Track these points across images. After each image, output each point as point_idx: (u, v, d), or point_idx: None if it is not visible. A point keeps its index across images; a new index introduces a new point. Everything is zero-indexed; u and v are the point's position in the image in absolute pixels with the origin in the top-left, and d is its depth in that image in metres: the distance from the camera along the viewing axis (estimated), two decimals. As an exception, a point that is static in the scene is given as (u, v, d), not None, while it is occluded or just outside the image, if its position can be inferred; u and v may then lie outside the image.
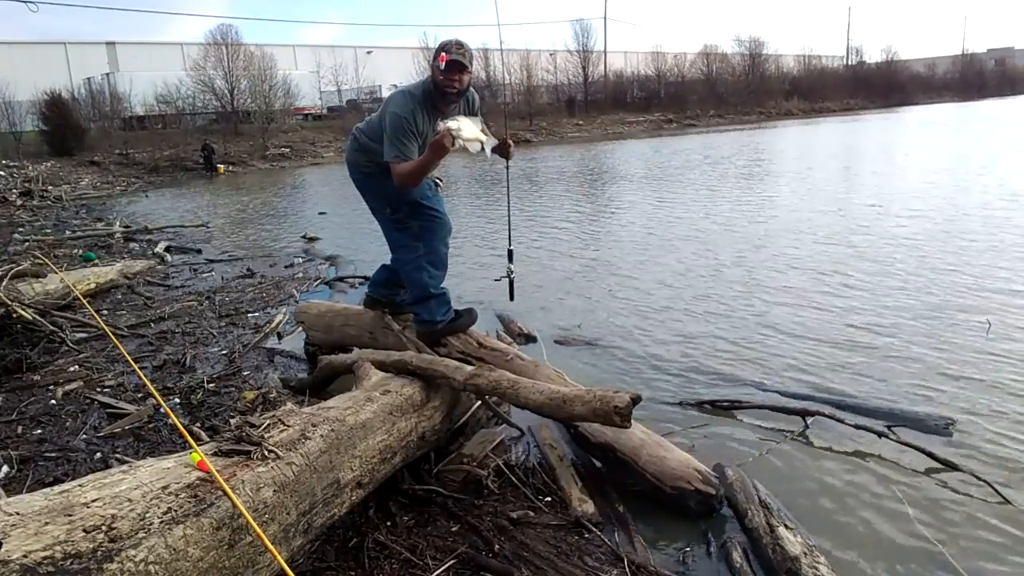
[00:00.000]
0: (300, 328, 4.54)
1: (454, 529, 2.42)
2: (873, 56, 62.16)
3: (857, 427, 3.01)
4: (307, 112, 36.72)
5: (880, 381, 3.62)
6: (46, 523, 1.42)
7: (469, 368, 2.82)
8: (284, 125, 31.76)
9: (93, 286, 6.29)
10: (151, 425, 3.43)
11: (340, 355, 3.63)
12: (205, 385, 3.93)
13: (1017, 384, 3.47)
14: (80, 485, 1.58)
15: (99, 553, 1.41)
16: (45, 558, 1.34)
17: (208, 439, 2.65)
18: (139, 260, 8.02)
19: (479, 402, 3.08)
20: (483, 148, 3.09)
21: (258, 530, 1.57)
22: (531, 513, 2.52)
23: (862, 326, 4.46)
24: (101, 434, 3.35)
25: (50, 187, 18.56)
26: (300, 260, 7.96)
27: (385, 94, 26.05)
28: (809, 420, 3.17)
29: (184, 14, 75.80)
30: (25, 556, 1.32)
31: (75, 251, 9.03)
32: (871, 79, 56.25)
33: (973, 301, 4.82)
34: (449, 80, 3.13)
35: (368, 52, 46.58)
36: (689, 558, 2.30)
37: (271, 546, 1.53)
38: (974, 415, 3.18)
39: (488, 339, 3.59)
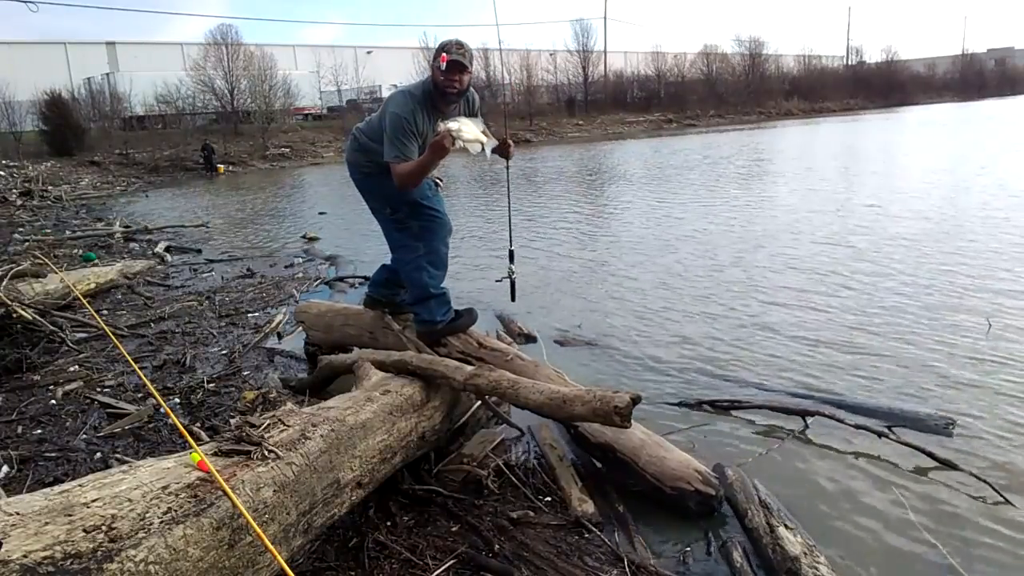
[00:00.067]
0: (300, 328, 4.54)
1: (454, 529, 2.42)
2: (873, 56, 62.30)
3: (857, 427, 3.01)
4: (307, 112, 36.71)
5: (880, 381, 3.62)
6: (46, 523, 1.42)
7: (469, 368, 2.82)
8: (284, 125, 31.76)
9: (93, 286, 6.29)
10: (151, 425, 3.43)
11: (340, 355, 3.63)
12: (205, 385, 3.93)
13: (1017, 384, 3.47)
14: (80, 485, 1.59)
15: (99, 553, 1.41)
16: (45, 558, 1.34)
17: (208, 439, 2.64)
18: (139, 260, 8.02)
19: (479, 402, 3.07)
20: (483, 149, 3.09)
21: (258, 530, 1.57)
22: (531, 513, 2.52)
23: (862, 326, 4.46)
24: (101, 434, 3.35)
25: (50, 187, 18.56)
26: (300, 260, 7.96)
27: (385, 94, 26.05)
28: (809, 420, 3.17)
29: (184, 14, 75.83)
30: (25, 556, 1.32)
31: (75, 251, 9.03)
32: (871, 79, 56.26)
33: (973, 301, 4.82)
34: (449, 80, 3.13)
35: (368, 52, 46.59)
36: (689, 558, 2.30)
37: (271, 546, 1.53)
38: (974, 415, 3.18)
39: (488, 339, 3.59)
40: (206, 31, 69.61)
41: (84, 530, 1.43)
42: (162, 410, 3.43)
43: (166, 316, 5.53)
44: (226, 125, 30.49)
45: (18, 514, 1.42)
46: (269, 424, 2.08)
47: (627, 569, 2.19)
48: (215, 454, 1.88)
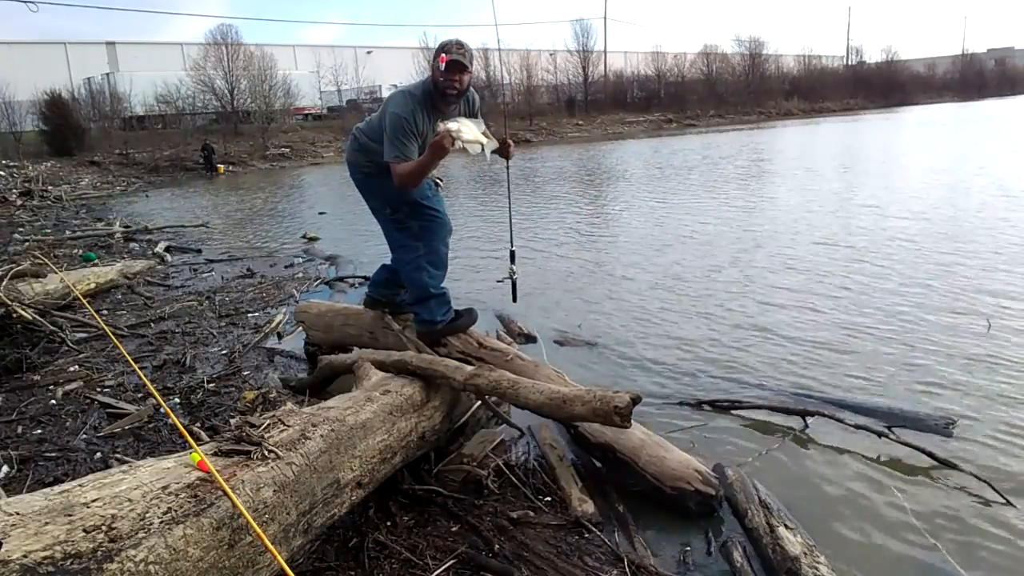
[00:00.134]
0: (300, 328, 4.54)
1: (454, 529, 2.42)
2: (873, 56, 62.32)
3: (857, 427, 3.01)
4: (307, 112, 36.72)
5: (880, 381, 3.62)
6: (46, 523, 1.42)
7: (469, 368, 2.82)
8: (284, 125, 31.76)
9: (93, 286, 6.29)
10: (151, 425, 3.43)
11: (340, 355, 3.63)
12: (205, 385, 3.93)
13: (1017, 384, 3.47)
14: (80, 485, 1.59)
15: (99, 553, 1.41)
16: (45, 558, 1.34)
17: (208, 439, 2.64)
18: (139, 260, 8.02)
19: (479, 402, 3.07)
20: (483, 150, 3.09)
21: (258, 530, 1.57)
22: (531, 513, 2.52)
23: (861, 326, 4.46)
24: (101, 434, 3.35)
25: (50, 187, 18.57)
26: (300, 260, 7.96)
27: (385, 94, 26.05)
28: (809, 420, 3.17)
29: (184, 14, 75.93)
30: (25, 556, 1.32)
31: (75, 251, 9.03)
32: (871, 79, 56.25)
33: (972, 301, 4.81)
34: (449, 80, 3.13)
35: (368, 52, 46.59)
36: (689, 558, 2.30)
37: (271, 546, 1.53)
38: (974, 415, 3.18)
39: (488, 339, 3.59)
40: (206, 31, 69.70)
41: (84, 530, 1.43)
42: (162, 410, 3.43)
43: (166, 316, 5.53)
44: (226, 125, 30.50)
45: (18, 514, 1.42)
46: (269, 424, 2.08)
47: (627, 569, 2.19)
48: (215, 454, 1.88)
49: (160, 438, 3.29)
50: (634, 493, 2.63)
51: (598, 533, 2.39)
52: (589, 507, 2.54)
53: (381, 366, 2.98)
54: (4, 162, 21.16)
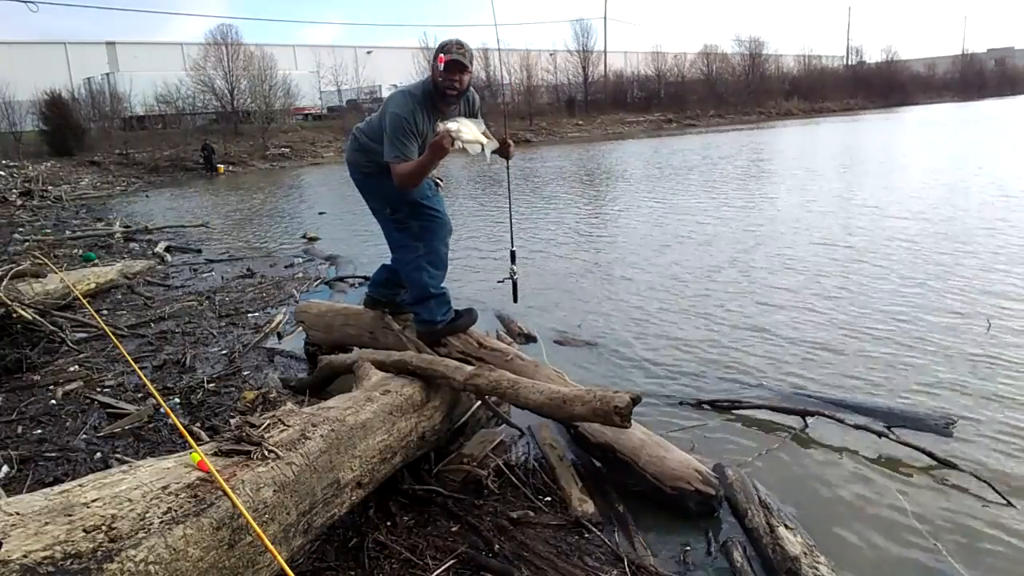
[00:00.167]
0: (300, 328, 4.54)
1: (454, 529, 2.42)
2: (873, 56, 62.32)
3: (857, 427, 3.01)
4: (307, 112, 36.72)
5: (880, 381, 3.62)
6: (46, 523, 1.42)
7: (469, 368, 2.82)
8: (284, 125, 31.77)
9: (93, 286, 6.29)
10: (151, 425, 3.43)
11: (340, 355, 3.63)
12: (205, 385, 3.93)
13: (1017, 384, 3.47)
14: (80, 485, 1.59)
15: (99, 553, 1.41)
16: (45, 558, 1.34)
17: (208, 439, 2.65)
18: (139, 260, 8.02)
19: (479, 402, 3.07)
20: (483, 150, 3.08)
21: (258, 530, 1.57)
22: (531, 513, 2.52)
23: (861, 326, 4.46)
24: (101, 434, 3.35)
25: (50, 187, 18.57)
26: (300, 260, 7.96)
27: (385, 94, 26.05)
28: (809, 420, 3.17)
29: (184, 14, 75.95)
30: (25, 556, 1.32)
31: (75, 251, 9.03)
32: (871, 79, 56.25)
33: (972, 301, 4.81)
34: (449, 80, 3.13)
35: (368, 52, 46.60)
36: (689, 558, 2.30)
37: (271, 546, 1.53)
38: (974, 415, 3.18)
39: (488, 339, 3.59)
40: (206, 31, 69.74)
41: (84, 530, 1.43)
42: (162, 410, 3.43)
43: (166, 316, 5.53)
44: (226, 125, 30.50)
45: (18, 514, 1.42)
46: (269, 424, 2.09)
47: (627, 569, 2.19)
48: (215, 454, 1.88)
49: (160, 438, 3.29)
50: (634, 493, 2.63)
51: (598, 533, 2.39)
52: (589, 507, 2.54)
53: (381, 366, 2.98)
54: (4, 162, 21.16)
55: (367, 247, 8.20)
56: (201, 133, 28.76)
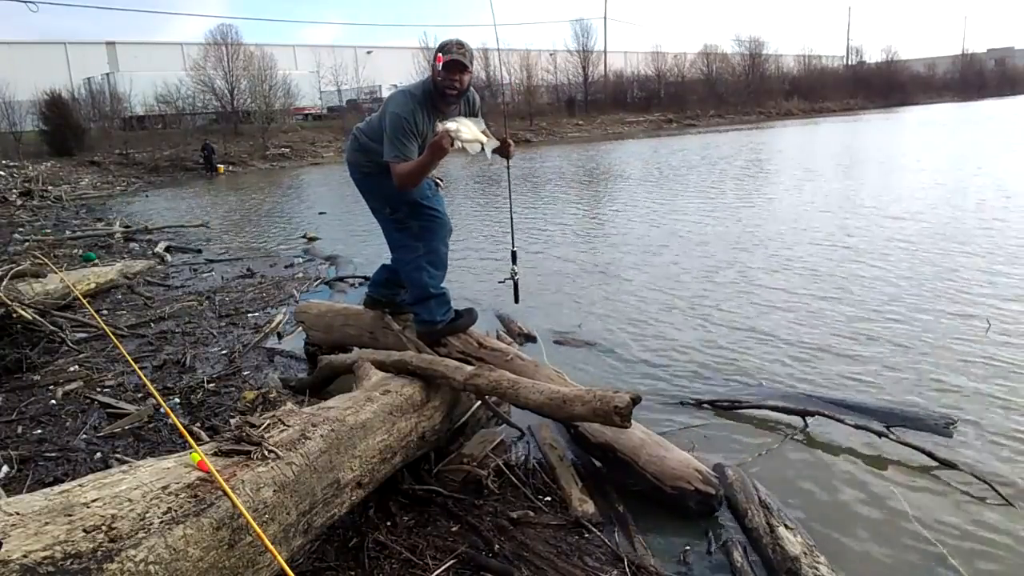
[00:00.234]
0: (300, 328, 4.54)
1: (454, 529, 2.42)
2: (873, 56, 62.35)
3: (857, 427, 3.01)
4: (307, 112, 36.73)
5: (880, 381, 3.62)
6: (46, 523, 1.42)
7: (469, 368, 2.82)
8: (284, 125, 31.78)
9: (93, 286, 6.29)
10: (151, 425, 3.43)
11: (340, 355, 3.63)
12: (205, 385, 3.93)
13: (1017, 384, 3.47)
14: (80, 485, 1.58)
15: (99, 553, 1.41)
16: (45, 558, 1.34)
17: (208, 439, 2.64)
18: (139, 260, 8.02)
19: (479, 402, 3.07)
20: (483, 149, 3.08)
21: (258, 530, 1.57)
22: (531, 513, 2.52)
23: (861, 326, 4.46)
24: (101, 434, 3.35)
25: (50, 187, 18.57)
26: (300, 260, 7.96)
27: (385, 94, 26.07)
28: (809, 420, 3.17)
29: (184, 14, 75.93)
30: (25, 556, 1.32)
31: (75, 251, 9.03)
32: (871, 79, 56.27)
33: (972, 302, 4.81)
34: (450, 80, 3.12)
35: (368, 52, 46.60)
36: (689, 558, 2.30)
37: (271, 546, 1.53)
38: (974, 415, 3.18)
39: (488, 339, 3.59)
40: (206, 31, 69.80)
41: (84, 530, 1.43)
42: (162, 410, 3.43)
43: (166, 316, 5.53)
44: (226, 125, 30.51)
45: (18, 514, 1.42)
46: (269, 424, 2.08)
47: (627, 569, 2.19)
48: (215, 454, 1.88)
49: (160, 438, 3.29)
50: (634, 493, 2.63)
51: (598, 533, 2.39)
52: (589, 507, 2.54)
53: (381, 366, 2.98)
54: (4, 162, 21.17)
55: (367, 247, 8.20)
56: (201, 133, 28.78)
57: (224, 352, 4.56)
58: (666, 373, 3.92)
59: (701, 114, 42.87)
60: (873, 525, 2.46)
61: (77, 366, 4.33)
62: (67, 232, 11.04)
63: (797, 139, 25.06)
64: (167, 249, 9.13)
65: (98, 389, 3.94)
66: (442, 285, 3.56)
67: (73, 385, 4.00)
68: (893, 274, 5.65)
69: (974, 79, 62.54)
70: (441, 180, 3.72)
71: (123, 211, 14.62)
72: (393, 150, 3.12)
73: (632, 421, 2.43)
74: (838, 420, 3.07)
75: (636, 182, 14.01)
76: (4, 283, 5.00)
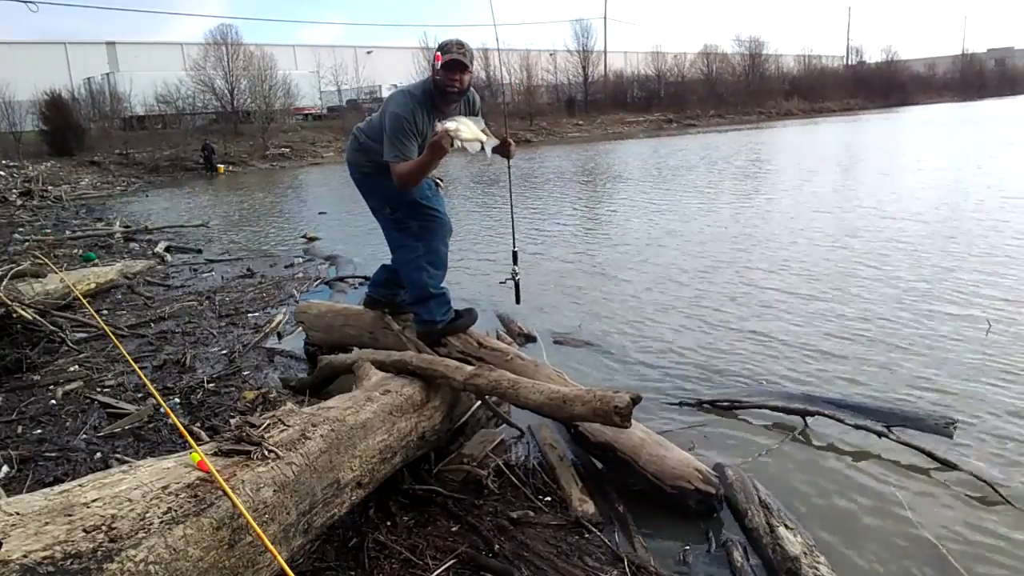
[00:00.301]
0: (300, 328, 4.54)
1: (454, 529, 2.42)
2: (873, 56, 62.36)
3: (857, 427, 3.01)
4: (307, 112, 36.73)
5: (880, 381, 3.62)
6: (46, 523, 1.42)
7: (469, 368, 2.82)
8: (284, 125, 31.78)
9: (93, 286, 6.29)
10: (151, 425, 3.43)
11: (340, 355, 3.63)
12: (205, 385, 3.93)
13: (1017, 385, 3.47)
14: (80, 485, 1.58)
15: (99, 553, 1.41)
16: (45, 558, 1.34)
17: (208, 439, 2.64)
18: (139, 260, 8.02)
19: (479, 402, 3.07)
20: (483, 148, 3.08)
21: (258, 530, 1.57)
22: (531, 513, 2.52)
23: (861, 326, 4.46)
24: (101, 434, 3.35)
25: (50, 187, 18.57)
26: (300, 260, 7.96)
27: (385, 94, 26.06)
28: (809, 420, 3.17)
29: (184, 14, 75.96)
30: (25, 556, 1.32)
31: (75, 251, 9.03)
32: (871, 79, 56.25)
33: (973, 301, 4.81)
34: (450, 80, 3.12)
35: (368, 52, 46.60)
36: (689, 558, 2.30)
37: (271, 546, 1.53)
38: (974, 415, 3.18)
39: (488, 339, 3.59)
40: (206, 31, 69.80)
41: (84, 530, 1.43)
42: (162, 410, 3.43)
43: (166, 316, 5.53)
44: (226, 125, 30.51)
45: (18, 514, 1.42)
46: (269, 424, 2.08)
47: (627, 569, 2.19)
48: (215, 454, 1.88)
49: (160, 438, 3.29)
50: (634, 493, 2.63)
51: (598, 533, 2.39)
52: (589, 507, 2.54)
53: (381, 366, 2.98)
54: (4, 162, 21.17)
55: (367, 247, 8.20)
56: (201, 133, 28.78)
57: (224, 352, 4.56)
58: (666, 373, 3.92)
59: (701, 114, 42.87)
60: (873, 525, 2.46)
61: (77, 366, 4.33)
62: (67, 232, 11.04)
63: (797, 139, 25.06)
64: (167, 249, 9.14)
65: (98, 389, 3.94)
66: (442, 285, 3.55)
67: (73, 385, 4.00)
68: (893, 274, 5.65)
69: (974, 79, 62.53)
70: (441, 180, 3.72)
71: (123, 211, 14.62)
72: (393, 150, 3.12)
73: (632, 421, 2.43)
74: (838, 420, 3.07)
75: (636, 182, 14.02)
76: (4, 283, 5.00)
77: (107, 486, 1.59)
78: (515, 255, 3.57)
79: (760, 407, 3.34)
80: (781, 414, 3.27)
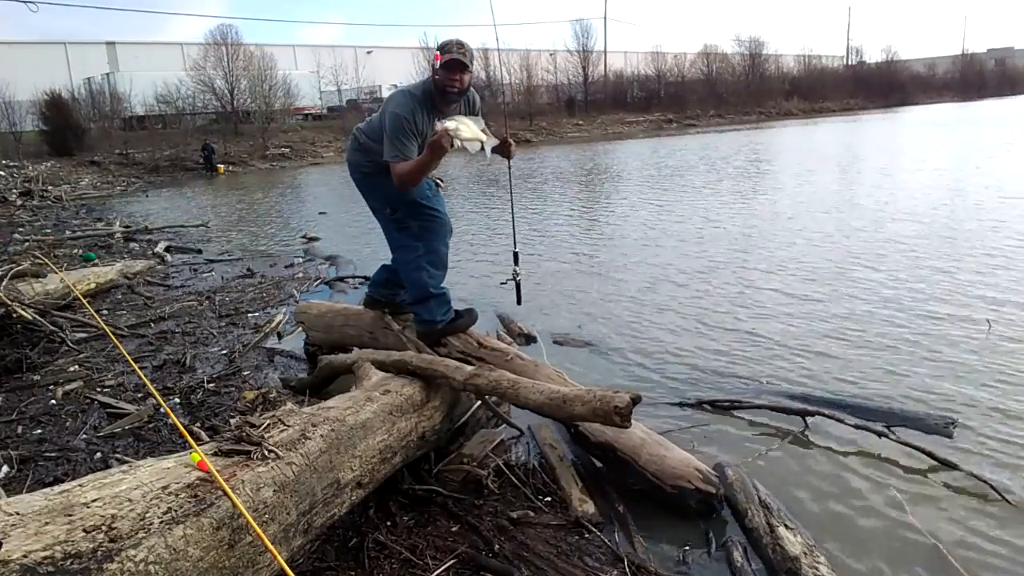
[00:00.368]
0: (300, 328, 4.54)
1: (454, 529, 2.42)
2: (873, 56, 62.34)
3: (857, 427, 3.01)
4: (307, 112, 36.73)
5: (880, 381, 3.62)
6: (46, 523, 1.42)
7: (469, 368, 2.82)
8: (284, 125, 31.79)
9: (93, 286, 6.29)
10: (151, 425, 3.43)
11: (340, 355, 3.63)
12: (205, 385, 3.93)
13: (1018, 385, 3.47)
14: (80, 485, 1.58)
15: (99, 553, 1.41)
16: (45, 558, 1.34)
17: (208, 439, 2.64)
18: (139, 260, 8.02)
19: (479, 402, 3.07)
20: (483, 148, 3.08)
21: (258, 530, 1.57)
22: (531, 513, 2.52)
23: (861, 327, 4.46)
24: (101, 434, 3.35)
25: (50, 187, 18.58)
26: (300, 260, 7.95)
27: (385, 94, 26.09)
28: (809, 420, 3.17)
29: (184, 14, 76.09)
30: (25, 556, 1.32)
31: (75, 251, 9.03)
32: (871, 79, 56.23)
33: (973, 302, 4.81)
34: (450, 79, 3.12)
35: (368, 52, 46.60)
36: (689, 558, 2.30)
37: (271, 546, 1.53)
38: (974, 415, 3.18)
39: (488, 339, 3.59)
40: (206, 31, 69.86)
41: (84, 530, 1.43)
42: (162, 410, 3.43)
43: (166, 316, 5.53)
44: (226, 125, 30.52)
45: (18, 514, 1.42)
46: (269, 424, 2.08)
47: (627, 569, 2.19)
48: (215, 454, 1.88)
49: (160, 438, 3.29)
50: (634, 493, 2.63)
51: (598, 533, 2.39)
52: (589, 507, 2.54)
53: (381, 366, 2.98)
54: (4, 162, 21.17)
55: (367, 247, 8.20)
56: (201, 133, 28.79)
57: (224, 352, 4.56)
58: (666, 373, 3.92)
59: (701, 114, 42.87)
60: (873, 525, 2.46)
61: (77, 366, 4.33)
62: (67, 232, 11.04)
63: (797, 139, 25.06)
64: (167, 249, 9.13)
65: (98, 389, 3.94)
66: (442, 285, 3.55)
67: (73, 385, 4.00)
68: (892, 274, 5.65)
69: (974, 79, 62.50)
70: (441, 180, 3.72)
71: (123, 211, 14.62)
72: (393, 150, 3.12)
73: (632, 421, 2.43)
74: (838, 420, 3.06)
75: (636, 182, 14.02)
76: (4, 283, 5.00)
77: (107, 486, 1.59)
78: (516, 256, 3.56)
79: (760, 407, 3.34)
80: (781, 414, 3.26)
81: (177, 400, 3.74)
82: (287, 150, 28.79)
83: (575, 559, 2.25)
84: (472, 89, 3.35)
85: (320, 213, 12.32)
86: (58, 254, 8.55)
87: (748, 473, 2.71)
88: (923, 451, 2.79)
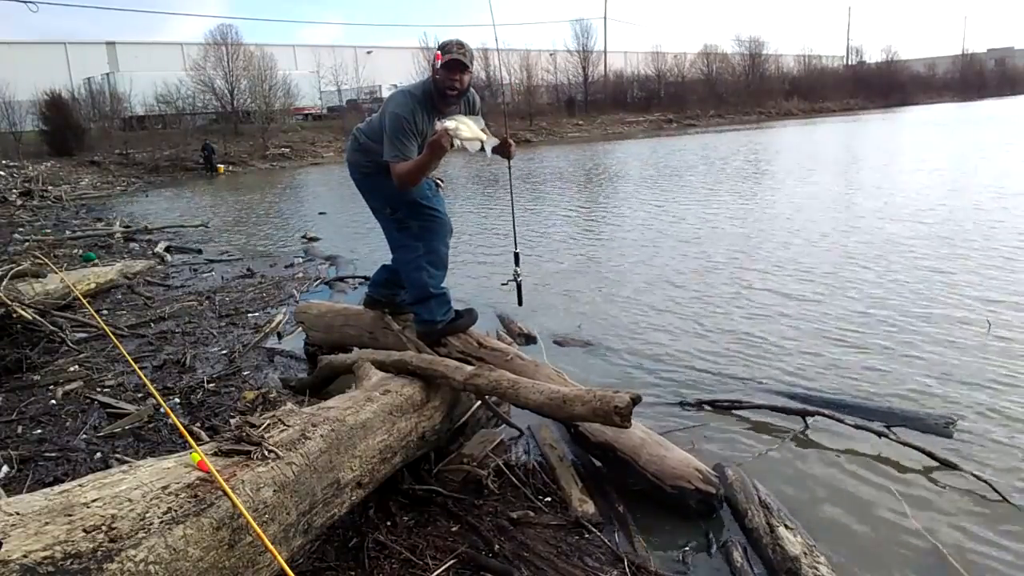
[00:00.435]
0: (300, 328, 4.54)
1: (454, 529, 2.42)
2: (873, 56, 62.37)
3: (857, 427, 3.01)
4: (307, 112, 36.73)
5: (880, 381, 3.62)
6: (46, 523, 1.42)
7: (469, 368, 2.82)
8: (284, 125, 31.79)
9: (93, 286, 6.29)
10: (151, 425, 3.43)
11: (340, 355, 3.63)
12: (205, 385, 3.93)
13: (1018, 384, 3.47)
14: (80, 485, 1.58)
15: (99, 553, 1.41)
16: (45, 558, 1.34)
17: (208, 439, 2.64)
18: (139, 260, 8.02)
19: (479, 402, 3.07)
20: (483, 147, 3.08)
21: (258, 530, 1.57)
22: (531, 513, 2.52)
23: (861, 326, 4.46)
24: (101, 434, 3.35)
25: (50, 187, 18.58)
26: (300, 260, 7.96)
27: (385, 94, 26.10)
28: (809, 420, 3.17)
29: (184, 14, 76.15)
30: (25, 556, 1.32)
31: (75, 251, 9.03)
32: (871, 79, 56.25)
33: (973, 302, 4.81)
34: (450, 79, 3.12)
35: (368, 52, 46.60)
36: (689, 558, 2.30)
37: (271, 546, 1.53)
38: (974, 415, 3.18)
39: (488, 339, 3.59)
40: (206, 31, 69.89)
41: (84, 530, 1.43)
42: (162, 410, 3.43)
43: (166, 316, 5.53)
44: (226, 125, 30.53)
45: (18, 514, 1.42)
46: (269, 424, 2.08)
47: (627, 569, 2.19)
48: (215, 454, 1.88)
49: (160, 438, 3.29)
50: (634, 493, 2.63)
51: (598, 533, 2.39)
52: (589, 507, 2.54)
53: (381, 366, 2.98)
54: (4, 162, 21.17)
55: (367, 247, 8.20)
56: (201, 133, 28.80)
57: (224, 352, 4.56)
58: (666, 373, 3.92)
59: (701, 114, 42.89)
60: (873, 525, 2.46)
61: (77, 366, 4.33)
62: (67, 232, 11.04)
63: (796, 139, 25.05)
64: (167, 249, 9.14)
65: (98, 389, 3.94)
66: (442, 285, 3.55)
67: (73, 385, 4.00)
68: (892, 275, 5.64)
69: (974, 79, 62.52)
70: (441, 180, 3.72)
71: (123, 211, 14.62)
72: (393, 150, 3.12)
73: (632, 421, 2.43)
74: (838, 420, 3.06)
75: (636, 183, 14.02)
76: (4, 283, 5.00)
77: (107, 486, 1.59)
78: (517, 256, 3.56)
79: (760, 407, 3.34)
80: (781, 414, 3.26)
81: (177, 400, 3.74)
82: (287, 150, 28.80)
83: (575, 559, 2.25)
84: (472, 89, 3.35)
85: (320, 213, 12.32)
86: (58, 254, 8.55)
87: (748, 473, 2.71)
88: (923, 451, 2.79)
